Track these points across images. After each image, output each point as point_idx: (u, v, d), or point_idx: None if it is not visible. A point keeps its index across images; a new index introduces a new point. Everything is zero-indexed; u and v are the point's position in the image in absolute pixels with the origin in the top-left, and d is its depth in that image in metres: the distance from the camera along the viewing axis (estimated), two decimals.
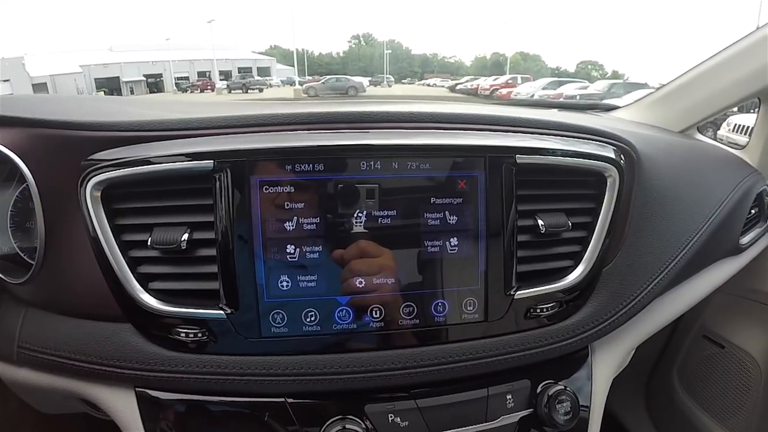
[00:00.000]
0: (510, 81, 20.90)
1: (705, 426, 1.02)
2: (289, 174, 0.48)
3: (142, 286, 0.50)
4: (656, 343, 1.15)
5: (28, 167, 0.51)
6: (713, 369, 1.03)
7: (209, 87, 28.77)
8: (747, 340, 0.98)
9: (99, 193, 0.49)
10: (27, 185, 0.52)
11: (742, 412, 0.97)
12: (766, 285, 0.93)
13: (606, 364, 0.65)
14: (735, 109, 0.91)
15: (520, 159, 0.53)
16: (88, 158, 0.50)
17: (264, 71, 42.93)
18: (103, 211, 0.49)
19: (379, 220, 0.50)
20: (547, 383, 0.58)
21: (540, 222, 0.55)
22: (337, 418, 0.52)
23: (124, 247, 0.50)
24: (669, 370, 1.14)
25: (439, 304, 0.53)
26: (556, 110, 1.07)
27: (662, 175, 0.65)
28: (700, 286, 0.75)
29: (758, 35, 0.81)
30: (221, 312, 0.50)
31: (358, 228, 0.50)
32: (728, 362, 1.01)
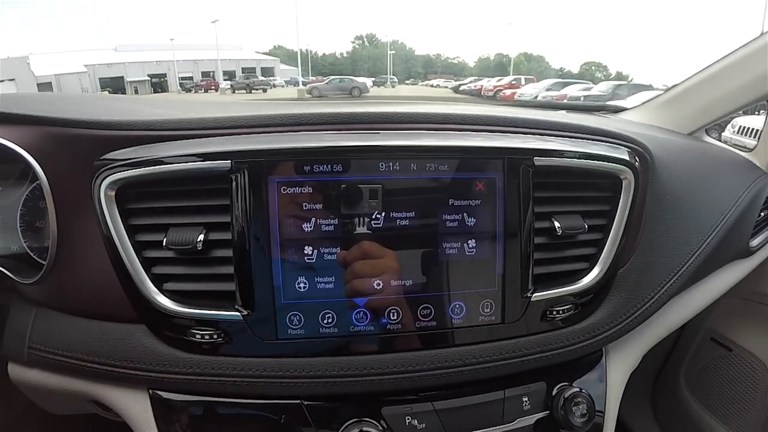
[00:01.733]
0: (513, 82, 20.84)
1: (711, 428, 1.01)
2: (308, 175, 0.48)
3: (156, 287, 0.50)
4: (663, 345, 1.14)
5: (40, 166, 0.51)
6: (720, 372, 1.03)
7: (213, 87, 28.77)
8: (755, 343, 0.97)
9: (113, 193, 0.48)
10: (38, 184, 0.52)
11: (748, 415, 0.96)
12: None
13: (620, 366, 0.65)
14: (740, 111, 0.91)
15: (538, 161, 0.53)
16: (102, 157, 0.50)
17: (268, 71, 42.98)
18: (117, 210, 0.49)
19: (398, 221, 0.50)
20: (562, 385, 0.58)
21: (556, 224, 0.55)
22: (353, 420, 0.52)
23: (139, 247, 0.50)
24: (676, 372, 1.13)
25: (457, 306, 0.53)
26: (563, 112, 1.07)
27: (675, 177, 0.65)
28: (711, 288, 0.75)
29: (767, 38, 0.80)
30: (237, 313, 0.49)
31: (377, 229, 0.50)
32: (735, 365, 1.00)
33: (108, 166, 0.49)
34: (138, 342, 0.52)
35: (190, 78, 37.38)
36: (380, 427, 0.52)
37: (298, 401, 0.53)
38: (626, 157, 0.57)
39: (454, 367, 0.53)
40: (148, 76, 36.33)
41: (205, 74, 38.87)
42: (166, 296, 0.50)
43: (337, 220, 0.49)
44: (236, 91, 24.83)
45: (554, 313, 0.56)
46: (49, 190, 0.51)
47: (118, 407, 0.56)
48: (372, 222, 0.50)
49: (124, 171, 0.48)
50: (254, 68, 43.23)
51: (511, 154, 0.52)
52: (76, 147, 0.51)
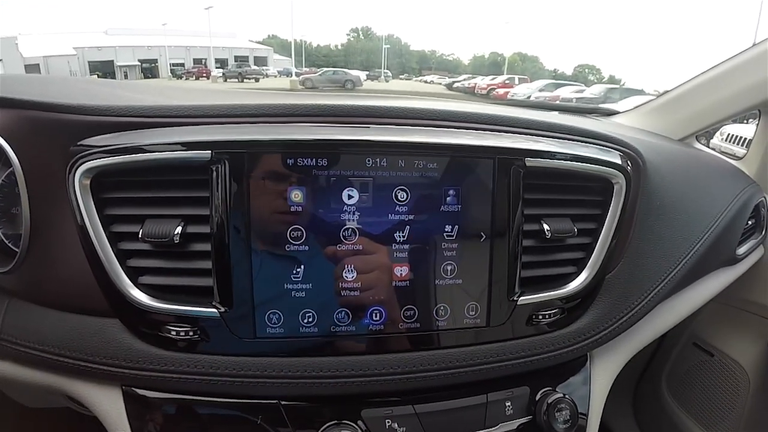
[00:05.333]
0: (507, 81, 20.94)
1: None
2: (291, 168, 0.47)
3: (131, 281, 0.48)
4: (646, 349, 1.16)
5: (14, 150, 0.49)
6: (702, 377, 1.04)
7: (205, 74, 28.49)
8: (736, 349, 0.98)
9: (88, 181, 0.46)
10: (13, 169, 0.49)
11: (728, 420, 0.98)
12: (757, 295, 0.93)
13: (604, 372, 0.65)
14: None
15: (530, 162, 0.52)
16: (78, 143, 0.47)
17: (261, 60, 42.63)
18: (92, 200, 0.47)
19: (383, 220, 0.49)
20: (546, 390, 0.58)
21: (546, 227, 0.54)
22: (332, 423, 0.51)
23: (114, 238, 0.48)
24: (658, 377, 1.14)
25: (441, 308, 0.52)
26: (556, 113, 1.07)
27: (666, 183, 0.64)
28: (697, 294, 0.75)
29: (760, 48, 0.81)
30: (214, 310, 0.48)
31: (360, 227, 0.49)
32: (717, 370, 1.01)
33: (83, 153, 0.46)
34: (111, 337, 0.50)
35: (182, 64, 36.94)
36: (359, 430, 0.51)
37: (275, 402, 0.51)
38: (618, 161, 0.57)
39: (436, 370, 0.52)
40: (139, 61, 35.84)
41: (197, 61, 38.47)
42: (141, 290, 0.48)
43: (318, 216, 0.48)
44: (228, 80, 24.56)
45: (540, 317, 0.55)
46: (22, 175, 0.49)
47: (90, 404, 0.54)
48: (356, 220, 0.48)
49: (100, 158, 0.46)
50: (247, 57, 42.89)
51: (502, 154, 0.51)
52: (51, 132, 0.49)
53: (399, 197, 0.49)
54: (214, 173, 0.46)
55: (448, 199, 0.50)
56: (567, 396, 0.57)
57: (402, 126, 0.51)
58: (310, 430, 0.51)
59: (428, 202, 0.50)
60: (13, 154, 0.49)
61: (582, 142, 0.58)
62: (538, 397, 0.57)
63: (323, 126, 0.49)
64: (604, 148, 0.58)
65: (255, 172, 0.46)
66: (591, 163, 0.55)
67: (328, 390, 0.51)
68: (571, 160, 0.54)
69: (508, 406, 0.56)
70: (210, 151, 0.46)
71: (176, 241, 0.47)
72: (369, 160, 0.48)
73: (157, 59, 37.24)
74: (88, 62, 32.54)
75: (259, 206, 0.47)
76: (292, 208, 0.47)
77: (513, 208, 0.52)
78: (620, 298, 0.60)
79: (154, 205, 0.48)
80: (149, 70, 35.82)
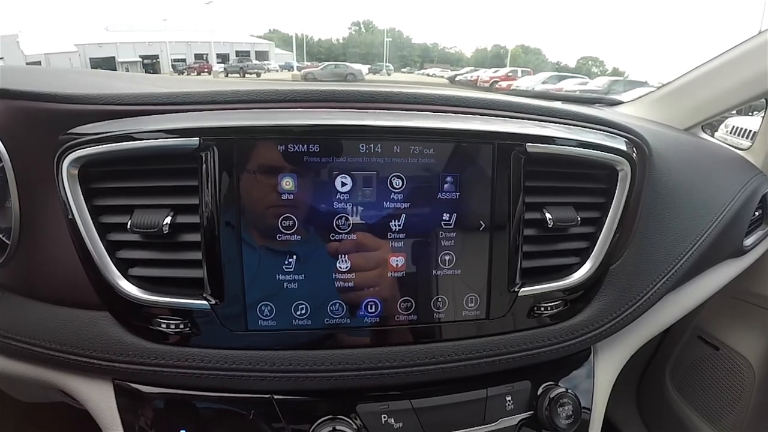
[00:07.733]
0: (510, 74, 20.88)
1: (695, 426, 1.02)
2: (281, 155, 0.45)
3: (121, 272, 0.47)
4: (650, 342, 1.15)
5: (1, 141, 0.48)
6: (706, 370, 1.03)
7: (206, 69, 28.57)
8: (742, 342, 0.97)
9: (76, 171, 0.45)
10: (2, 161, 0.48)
11: (733, 413, 0.97)
12: (764, 287, 0.92)
13: (608, 366, 0.63)
14: (734, 111, 0.90)
15: (531, 148, 0.50)
16: (67, 132, 0.46)
17: (262, 55, 42.67)
18: (80, 190, 0.46)
19: (377, 208, 0.48)
20: (548, 385, 0.57)
21: (548, 216, 0.52)
22: (327, 417, 0.50)
23: (103, 229, 0.47)
24: (662, 370, 1.14)
25: (439, 299, 0.50)
26: (559, 102, 1.06)
27: (672, 171, 0.63)
28: (703, 287, 0.74)
29: (765, 37, 0.79)
30: (205, 302, 0.47)
31: (355, 216, 0.47)
32: (722, 364, 1.00)
33: (72, 142, 0.45)
34: (102, 330, 0.49)
35: (183, 60, 36.97)
36: (354, 426, 0.50)
37: (268, 396, 0.50)
38: (623, 147, 0.55)
39: (434, 363, 0.51)
40: (140, 57, 35.87)
41: (198, 56, 38.49)
42: (131, 282, 0.47)
43: (312, 204, 0.46)
44: (230, 75, 24.60)
45: (542, 309, 0.54)
46: (10, 167, 0.48)
47: (81, 397, 0.53)
48: (350, 209, 0.47)
49: (88, 147, 0.45)
50: (248, 52, 42.93)
51: (502, 139, 0.49)
52: (39, 122, 0.48)
53: (394, 185, 0.47)
54: (203, 161, 0.45)
55: (445, 186, 0.48)
56: (569, 390, 0.55)
57: (399, 111, 0.50)
58: (304, 424, 0.50)
59: (425, 190, 0.48)
60: (2, 146, 0.48)
61: (585, 128, 0.56)
62: (539, 391, 0.56)
63: (316, 111, 0.48)
64: (609, 134, 0.56)
65: (244, 159, 0.45)
66: (595, 150, 0.53)
67: (322, 384, 0.50)
68: (575, 146, 0.52)
69: (509, 400, 0.55)
70: (198, 138, 0.44)
71: (165, 232, 0.46)
72: (363, 146, 0.46)
73: (158, 55, 37.24)
74: (90, 59, 32.57)
75: (250, 195, 0.45)
76: (284, 197, 0.46)
77: (514, 196, 0.50)
78: (625, 289, 0.58)
79: (142, 195, 0.47)
80: (151, 66, 35.81)
